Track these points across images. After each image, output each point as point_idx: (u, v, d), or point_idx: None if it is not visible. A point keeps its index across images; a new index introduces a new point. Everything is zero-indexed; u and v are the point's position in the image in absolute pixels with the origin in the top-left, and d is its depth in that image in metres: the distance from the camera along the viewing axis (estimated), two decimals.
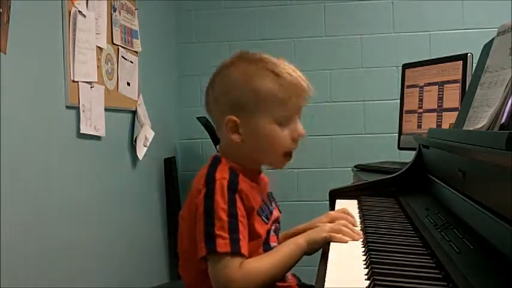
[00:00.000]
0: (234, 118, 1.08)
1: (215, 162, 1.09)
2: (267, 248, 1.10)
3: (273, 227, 1.14)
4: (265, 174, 1.20)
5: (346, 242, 1.04)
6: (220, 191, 1.02)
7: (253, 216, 1.06)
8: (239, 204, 1.02)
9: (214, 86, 1.13)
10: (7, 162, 1.47)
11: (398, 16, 2.94)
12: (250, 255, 1.03)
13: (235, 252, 0.99)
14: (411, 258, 0.87)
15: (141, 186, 2.48)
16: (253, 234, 1.05)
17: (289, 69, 1.10)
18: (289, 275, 1.15)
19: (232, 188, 1.03)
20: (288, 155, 1.12)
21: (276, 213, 1.17)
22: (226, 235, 0.99)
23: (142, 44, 2.42)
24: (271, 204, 1.16)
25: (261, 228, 1.08)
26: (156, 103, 2.62)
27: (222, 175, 1.05)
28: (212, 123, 1.19)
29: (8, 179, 1.47)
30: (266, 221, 1.10)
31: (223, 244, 0.98)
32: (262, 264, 1.02)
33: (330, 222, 1.17)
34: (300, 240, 1.08)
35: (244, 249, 1.00)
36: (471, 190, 0.97)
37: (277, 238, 1.17)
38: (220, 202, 1.01)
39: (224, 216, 1.00)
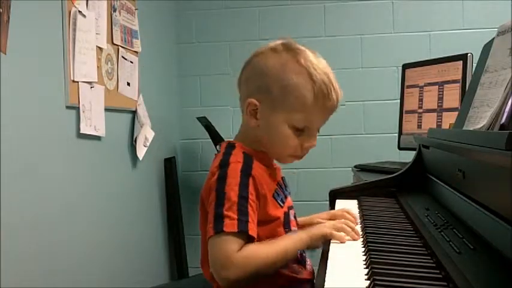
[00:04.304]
0: (255, 101, 1.07)
1: (229, 148, 1.09)
2: (288, 232, 1.09)
3: (291, 212, 1.14)
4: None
5: (344, 241, 1.04)
6: (234, 173, 1.01)
7: (267, 201, 1.05)
8: (251, 188, 1.01)
9: (249, 66, 1.12)
10: (7, 162, 1.47)
11: (398, 16, 2.94)
12: (270, 237, 1.02)
13: (242, 231, 0.97)
14: (411, 258, 0.87)
15: (141, 186, 2.48)
16: (268, 218, 1.05)
17: (324, 75, 1.08)
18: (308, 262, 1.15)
19: (246, 171, 1.02)
20: (295, 157, 1.12)
21: (290, 199, 1.17)
22: (235, 216, 0.97)
23: (142, 44, 2.42)
24: (286, 189, 1.16)
25: (276, 211, 1.07)
26: (156, 103, 2.62)
27: (236, 159, 1.04)
28: (243, 105, 1.14)
29: (8, 179, 1.47)
30: (281, 205, 1.10)
31: (230, 224, 0.97)
32: (264, 250, 1.01)
33: (330, 219, 1.18)
34: (303, 235, 1.08)
35: (252, 232, 0.98)
36: (471, 190, 0.97)
37: (297, 223, 1.17)
38: (232, 184, 1.00)
39: (234, 197, 0.98)
